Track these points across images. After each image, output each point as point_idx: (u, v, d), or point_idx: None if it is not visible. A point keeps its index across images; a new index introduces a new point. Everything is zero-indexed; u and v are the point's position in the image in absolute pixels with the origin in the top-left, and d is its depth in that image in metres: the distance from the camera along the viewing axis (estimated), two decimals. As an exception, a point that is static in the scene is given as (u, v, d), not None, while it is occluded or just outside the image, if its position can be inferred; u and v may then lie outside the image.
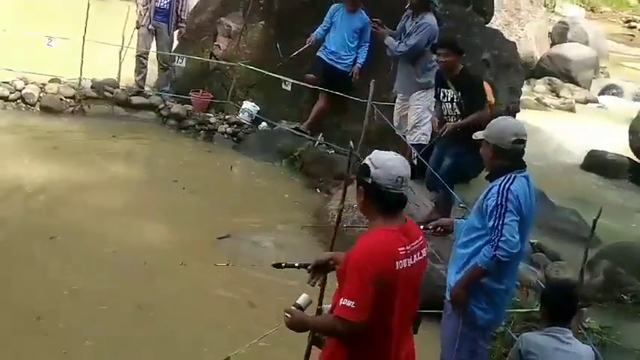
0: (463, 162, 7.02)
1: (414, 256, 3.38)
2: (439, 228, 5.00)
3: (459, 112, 7.28)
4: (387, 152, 3.46)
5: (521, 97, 12.11)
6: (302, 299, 3.58)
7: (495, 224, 4.34)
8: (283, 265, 3.86)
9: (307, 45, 10.37)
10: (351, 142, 4.49)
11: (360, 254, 3.30)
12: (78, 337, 5.41)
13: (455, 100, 7.30)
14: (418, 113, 8.71)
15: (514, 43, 12.27)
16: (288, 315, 3.48)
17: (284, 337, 4.90)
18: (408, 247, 3.34)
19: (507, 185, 4.40)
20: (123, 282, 6.31)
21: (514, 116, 10.20)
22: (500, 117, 5.06)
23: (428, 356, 4.78)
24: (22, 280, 6.07)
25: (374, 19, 9.30)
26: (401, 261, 3.30)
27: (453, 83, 7.27)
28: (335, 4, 10.23)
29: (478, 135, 4.75)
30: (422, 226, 4.77)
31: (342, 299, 3.24)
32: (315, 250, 6.96)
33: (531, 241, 7.62)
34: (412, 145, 8.48)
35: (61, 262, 6.49)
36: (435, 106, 8.02)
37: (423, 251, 3.46)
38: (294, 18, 11.13)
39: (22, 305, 5.67)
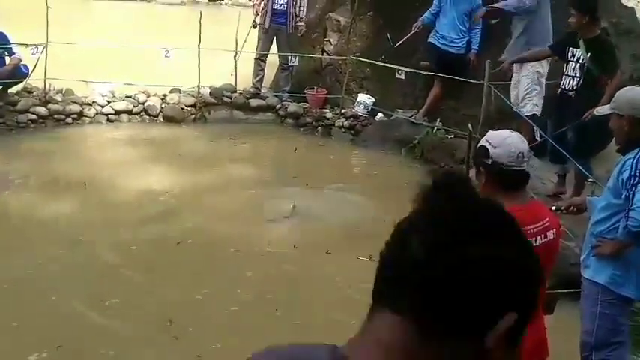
0: (587, 135, 6.81)
1: (539, 237, 3.28)
2: (572, 208, 4.84)
3: (578, 75, 7.11)
4: (502, 131, 3.42)
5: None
6: None
7: (628, 195, 4.18)
8: None
9: (414, 31, 10.29)
10: (469, 125, 4.42)
11: None
12: (208, 339, 5.47)
13: (580, 61, 7.12)
14: (527, 84, 8.50)
15: (632, 8, 11.80)
16: None
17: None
18: (529, 228, 3.24)
19: None
20: (254, 282, 6.40)
21: (640, 84, 9.80)
22: (625, 87, 4.85)
23: (567, 335, 4.68)
24: (153, 286, 6.23)
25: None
26: None
27: (585, 45, 7.08)
28: None
29: (603, 110, 4.58)
30: (553, 207, 4.65)
31: None
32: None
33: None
34: (531, 118, 8.30)
35: (190, 266, 6.63)
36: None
37: (550, 233, 3.35)
38: (403, 6, 11.05)
39: (155, 310, 5.80)
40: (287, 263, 6.79)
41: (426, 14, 10.21)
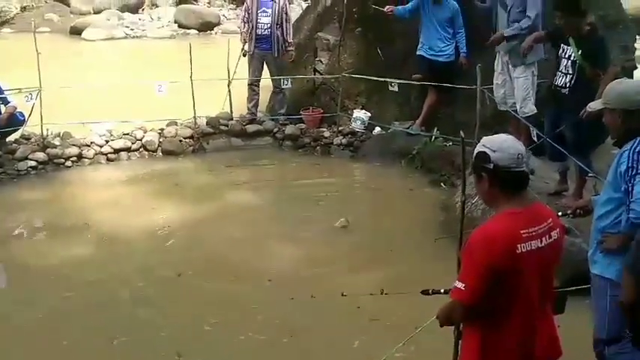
0: (583, 131, 6.81)
1: (543, 238, 3.30)
2: (578, 211, 4.85)
3: (571, 72, 7.13)
4: (497, 135, 3.43)
5: (639, 53, 11.66)
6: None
7: (627, 187, 4.16)
8: (430, 291, 3.84)
9: (387, 10, 10.40)
10: (461, 132, 4.40)
11: (475, 238, 3.28)
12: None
13: (572, 59, 7.14)
14: (525, 84, 8.52)
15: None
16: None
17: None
18: (532, 230, 3.27)
19: (638, 148, 4.19)
20: (260, 309, 6.38)
21: (632, 74, 9.86)
22: (615, 80, 4.86)
23: (579, 332, 4.65)
24: (161, 320, 6.23)
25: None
26: (524, 244, 3.24)
27: (575, 42, 7.10)
28: None
29: (596, 105, 4.59)
30: (560, 213, 4.65)
31: (456, 281, 3.30)
32: (449, 249, 6.80)
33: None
34: (526, 118, 8.35)
35: (196, 297, 6.61)
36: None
37: (554, 233, 3.37)
38: (390, 19, 11.09)
39: (164, 345, 5.79)
40: (292, 288, 6.73)
41: (399, 7, 10.36)
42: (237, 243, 7.78)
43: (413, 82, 10.34)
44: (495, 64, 8.90)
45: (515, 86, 8.62)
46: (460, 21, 10.04)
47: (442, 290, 3.71)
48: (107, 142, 10.78)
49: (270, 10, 11.26)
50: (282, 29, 11.37)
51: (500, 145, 3.31)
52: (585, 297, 4.67)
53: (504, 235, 3.23)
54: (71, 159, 10.42)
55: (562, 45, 7.30)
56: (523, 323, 3.32)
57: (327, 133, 11.20)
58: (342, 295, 5.94)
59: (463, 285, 3.25)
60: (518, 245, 3.22)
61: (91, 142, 10.71)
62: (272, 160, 10.88)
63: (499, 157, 3.29)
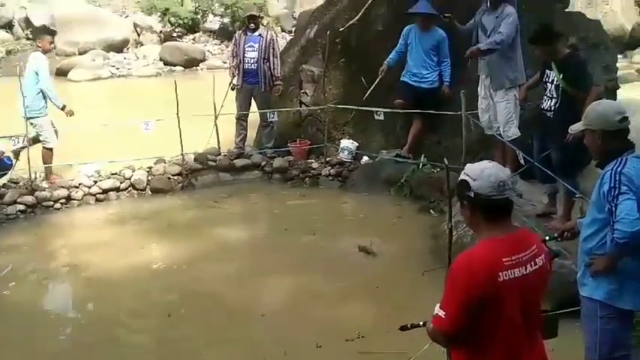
0: (569, 153, 6.85)
1: (527, 265, 3.31)
2: (565, 233, 4.87)
3: (555, 95, 7.20)
4: (480, 162, 3.43)
5: (621, 72, 11.79)
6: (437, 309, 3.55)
7: (610, 207, 4.19)
8: (409, 325, 3.83)
9: (380, 75, 10.44)
10: (445, 159, 4.44)
11: (456, 266, 3.30)
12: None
13: (555, 83, 7.21)
14: (508, 108, 8.60)
15: (598, 21, 12.08)
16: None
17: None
18: (515, 257, 3.28)
19: (619, 168, 4.24)
20: (253, 345, 6.35)
21: (615, 94, 9.95)
22: (595, 102, 4.90)
23: (573, 354, 4.66)
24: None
25: (445, 15, 9.11)
26: (506, 272, 3.24)
27: (557, 67, 7.19)
28: (408, 26, 10.27)
29: (576, 128, 4.63)
30: (548, 237, 4.68)
31: (438, 308, 3.31)
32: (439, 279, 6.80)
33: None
34: (511, 141, 8.40)
35: (188, 336, 6.57)
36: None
37: (539, 259, 3.37)
38: (373, 48, 11.19)
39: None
40: (284, 323, 6.73)
41: (391, 55, 10.39)
42: (228, 279, 7.74)
43: (398, 111, 10.38)
44: (479, 89, 8.98)
45: (498, 110, 8.71)
46: (446, 50, 10.13)
47: (421, 323, 3.70)
48: (95, 182, 10.73)
49: (257, 45, 11.37)
50: (270, 63, 11.45)
51: (480, 173, 3.33)
52: (577, 319, 4.68)
53: (486, 263, 3.24)
54: (60, 201, 10.36)
55: (546, 70, 7.39)
56: (507, 350, 3.31)
57: (315, 164, 11.24)
58: (317, 346, 6.01)
59: (444, 313, 3.27)
60: (500, 273, 3.23)
61: (80, 184, 10.65)
62: (261, 193, 10.89)
63: (479, 185, 3.31)
